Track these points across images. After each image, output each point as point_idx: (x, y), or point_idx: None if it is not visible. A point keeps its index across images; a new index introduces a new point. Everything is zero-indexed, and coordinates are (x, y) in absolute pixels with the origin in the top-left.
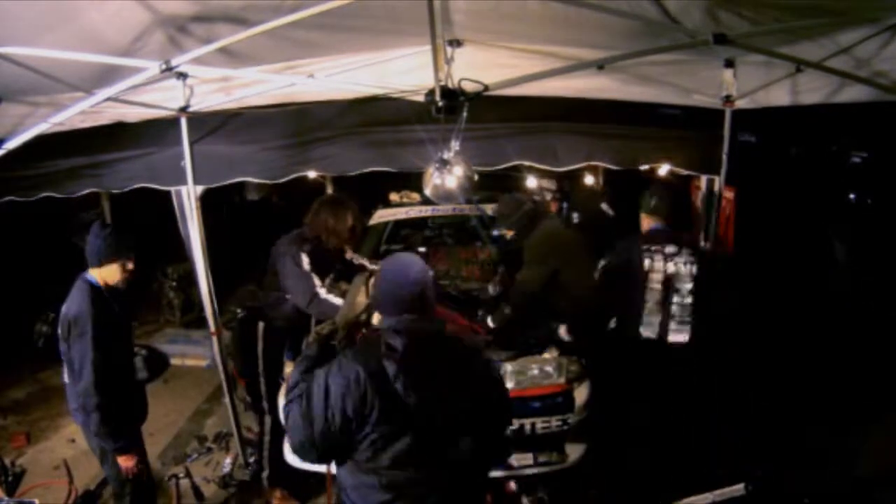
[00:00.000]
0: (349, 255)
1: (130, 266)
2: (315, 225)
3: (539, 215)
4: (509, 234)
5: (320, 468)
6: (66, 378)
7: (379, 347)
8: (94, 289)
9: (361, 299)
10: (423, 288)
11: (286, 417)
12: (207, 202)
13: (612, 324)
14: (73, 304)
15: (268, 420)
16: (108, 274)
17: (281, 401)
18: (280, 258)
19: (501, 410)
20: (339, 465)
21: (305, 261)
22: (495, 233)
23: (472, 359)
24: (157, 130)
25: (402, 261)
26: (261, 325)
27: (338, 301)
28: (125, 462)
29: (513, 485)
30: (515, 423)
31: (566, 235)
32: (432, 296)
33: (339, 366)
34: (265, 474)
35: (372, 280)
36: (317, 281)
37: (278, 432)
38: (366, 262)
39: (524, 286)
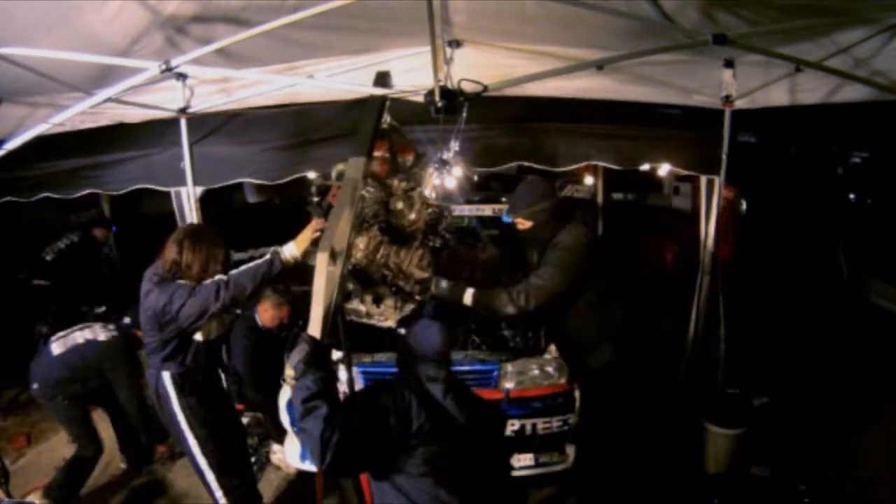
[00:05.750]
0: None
1: None
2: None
3: (564, 215)
4: (523, 224)
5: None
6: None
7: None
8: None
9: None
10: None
11: (304, 427)
12: (207, 204)
13: None
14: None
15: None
16: None
17: (282, 402)
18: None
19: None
20: (374, 478)
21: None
22: (505, 218)
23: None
24: (157, 131)
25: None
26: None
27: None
28: None
29: None
30: (517, 424)
31: (591, 245)
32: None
33: (383, 386)
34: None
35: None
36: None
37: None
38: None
39: (549, 290)
